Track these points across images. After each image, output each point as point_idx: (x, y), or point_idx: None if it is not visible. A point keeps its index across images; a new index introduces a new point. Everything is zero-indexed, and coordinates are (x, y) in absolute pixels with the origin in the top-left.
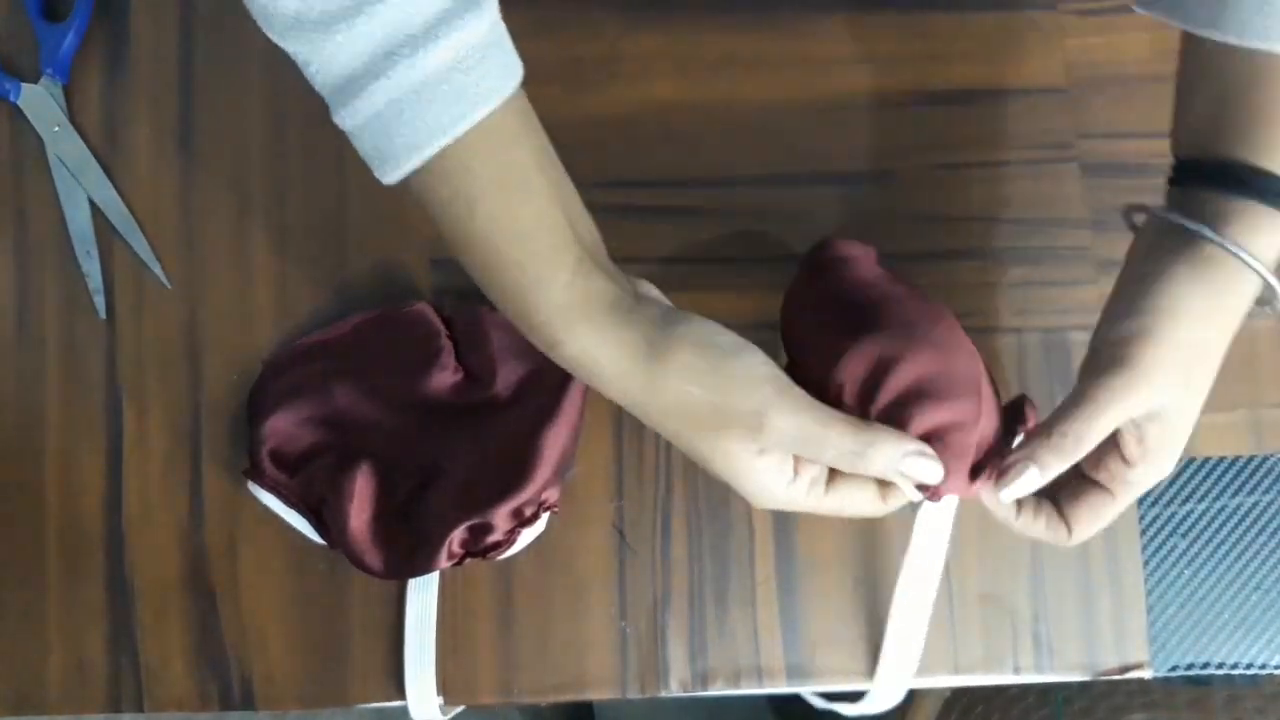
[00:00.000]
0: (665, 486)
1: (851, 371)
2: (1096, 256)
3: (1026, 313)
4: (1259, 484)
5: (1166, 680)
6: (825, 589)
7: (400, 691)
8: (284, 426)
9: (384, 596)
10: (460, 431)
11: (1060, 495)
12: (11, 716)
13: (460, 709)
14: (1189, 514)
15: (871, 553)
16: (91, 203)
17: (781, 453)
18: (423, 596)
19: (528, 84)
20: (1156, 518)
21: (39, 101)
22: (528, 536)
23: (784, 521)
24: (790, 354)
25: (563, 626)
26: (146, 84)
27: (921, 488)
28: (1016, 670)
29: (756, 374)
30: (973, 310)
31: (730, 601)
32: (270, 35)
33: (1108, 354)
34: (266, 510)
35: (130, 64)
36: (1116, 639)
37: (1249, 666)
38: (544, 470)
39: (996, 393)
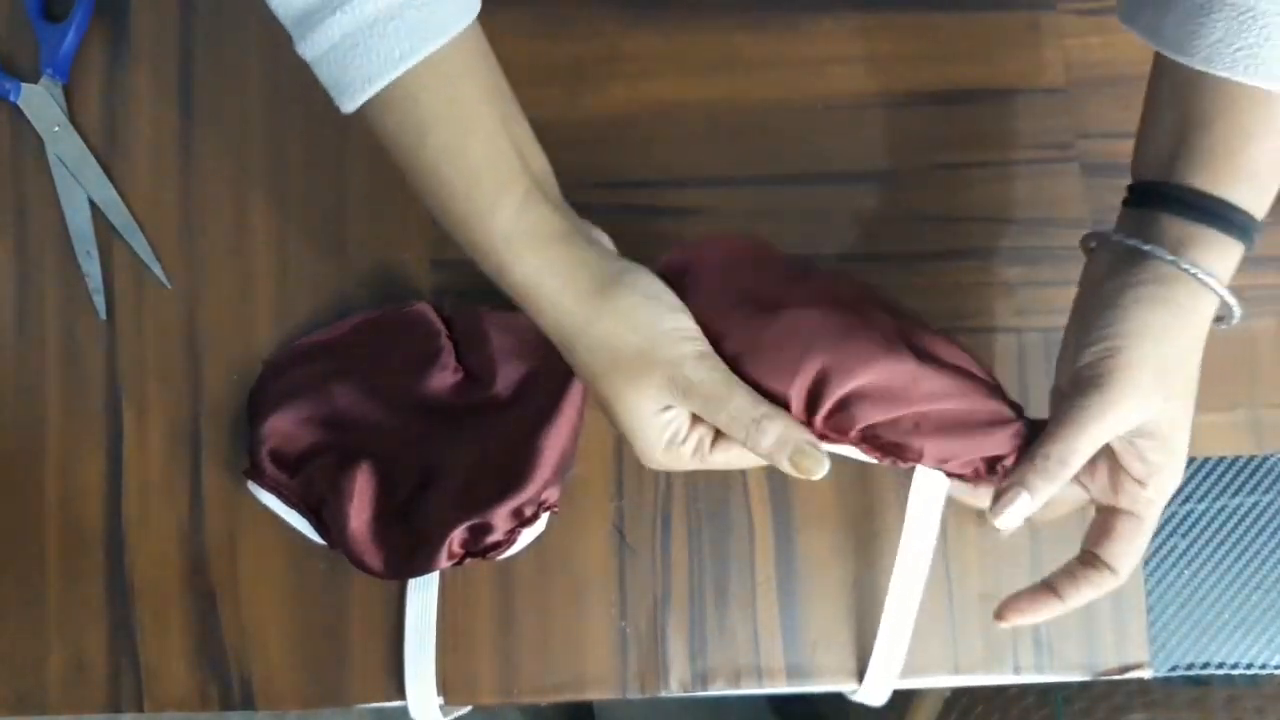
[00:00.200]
0: (665, 486)
1: (799, 385)
2: None
3: (1026, 313)
4: (1259, 484)
5: (1166, 680)
6: (825, 589)
7: (400, 691)
8: (284, 426)
9: (384, 596)
10: (460, 432)
11: (1092, 542)
12: (11, 716)
13: (461, 709)
14: (1189, 514)
15: (871, 553)
16: (91, 203)
17: (682, 413)
18: (423, 596)
19: (528, 84)
20: None
21: (39, 101)
22: (528, 536)
23: (784, 521)
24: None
25: (563, 626)
26: (146, 84)
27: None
28: (1016, 670)
29: (684, 333)
30: (973, 310)
31: (730, 601)
32: None
33: (1081, 377)
34: (266, 510)
35: (130, 64)
36: (1116, 639)
37: (1249, 666)
38: (544, 470)
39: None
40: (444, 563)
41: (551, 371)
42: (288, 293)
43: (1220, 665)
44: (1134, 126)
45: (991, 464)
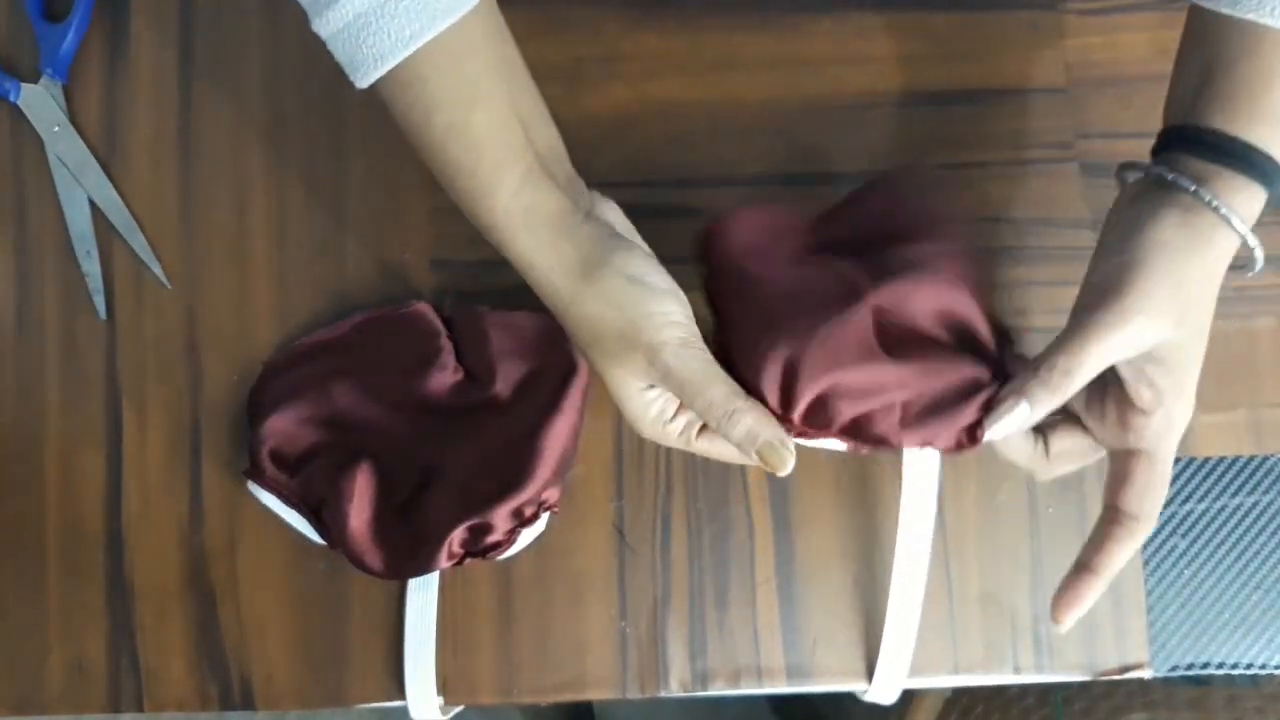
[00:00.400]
0: (665, 486)
1: (770, 385)
2: None
3: (1026, 313)
4: (1259, 484)
5: (1166, 680)
6: (825, 589)
7: (400, 691)
8: (284, 426)
9: (384, 596)
10: (460, 432)
11: (1111, 494)
12: (11, 717)
13: (460, 709)
14: (1189, 514)
15: (871, 553)
16: (91, 203)
17: (665, 394)
18: (423, 596)
19: None
20: None
21: (39, 101)
22: (528, 536)
23: (784, 521)
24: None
25: (563, 626)
26: (146, 84)
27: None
28: (1016, 670)
29: (669, 319)
30: None
31: (730, 601)
32: None
33: (1096, 290)
34: (266, 510)
35: (130, 64)
36: (1116, 639)
37: (1249, 666)
38: (544, 470)
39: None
40: (444, 563)
41: (551, 371)
42: (288, 293)
43: (1220, 665)
44: (1134, 126)
45: (971, 432)
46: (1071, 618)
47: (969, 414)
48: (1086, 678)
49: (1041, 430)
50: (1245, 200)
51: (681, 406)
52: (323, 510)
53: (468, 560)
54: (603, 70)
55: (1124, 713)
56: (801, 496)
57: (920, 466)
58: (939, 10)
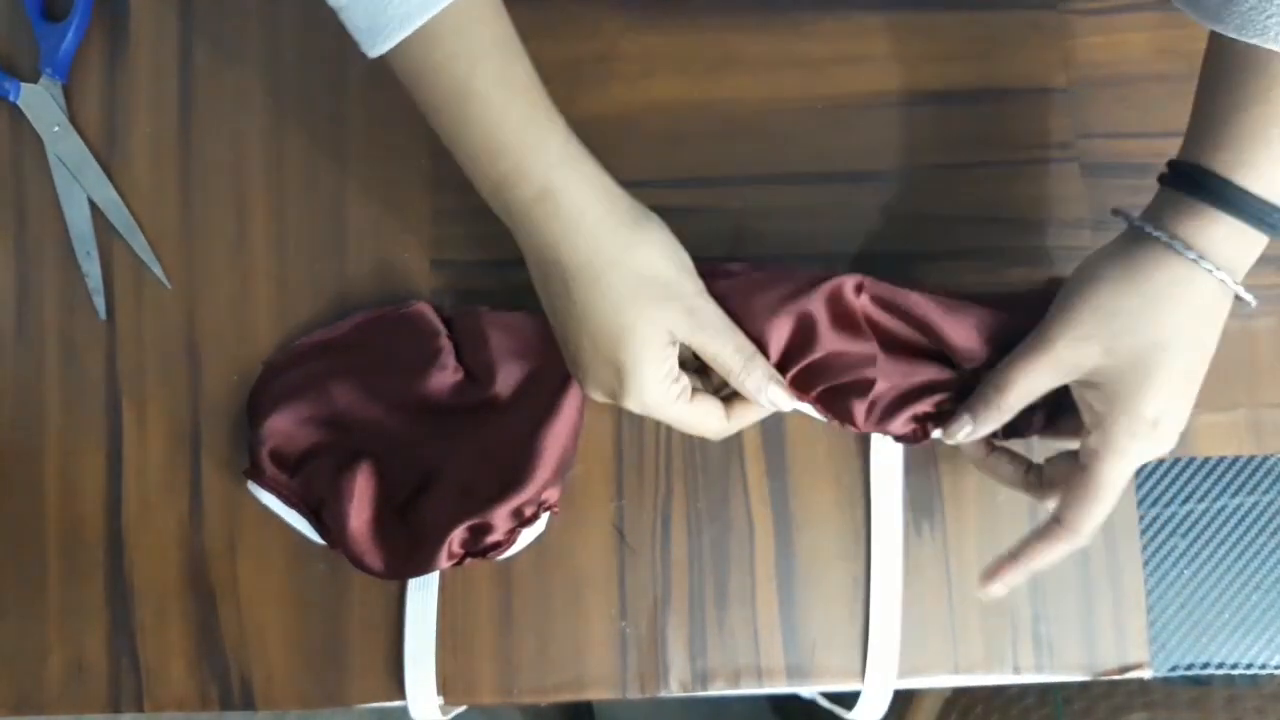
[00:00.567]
0: (665, 486)
1: (775, 342)
2: None
3: None
4: (1259, 484)
5: (1166, 680)
6: (825, 589)
7: (400, 691)
8: (284, 426)
9: (384, 596)
10: (460, 432)
11: (1058, 501)
12: (11, 716)
13: (460, 709)
14: (1189, 514)
15: (870, 553)
16: (91, 203)
17: (674, 353)
18: (423, 596)
19: None
20: (1156, 518)
21: (38, 101)
22: (528, 536)
23: (784, 521)
24: None
25: (563, 626)
26: (146, 84)
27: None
28: (1016, 670)
29: (694, 273)
30: None
31: (730, 601)
32: None
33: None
34: (266, 510)
35: (130, 64)
36: (1116, 639)
37: (1249, 666)
38: (544, 470)
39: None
40: (444, 563)
41: (551, 372)
42: (288, 293)
43: (1220, 665)
44: (1135, 126)
45: (923, 425)
46: (988, 590)
47: (923, 406)
48: (1086, 678)
49: (1034, 467)
50: (1200, 225)
51: (681, 371)
52: (323, 510)
53: (468, 560)
54: (602, 70)
55: (1124, 713)
56: (802, 496)
57: (886, 450)
58: (939, 10)
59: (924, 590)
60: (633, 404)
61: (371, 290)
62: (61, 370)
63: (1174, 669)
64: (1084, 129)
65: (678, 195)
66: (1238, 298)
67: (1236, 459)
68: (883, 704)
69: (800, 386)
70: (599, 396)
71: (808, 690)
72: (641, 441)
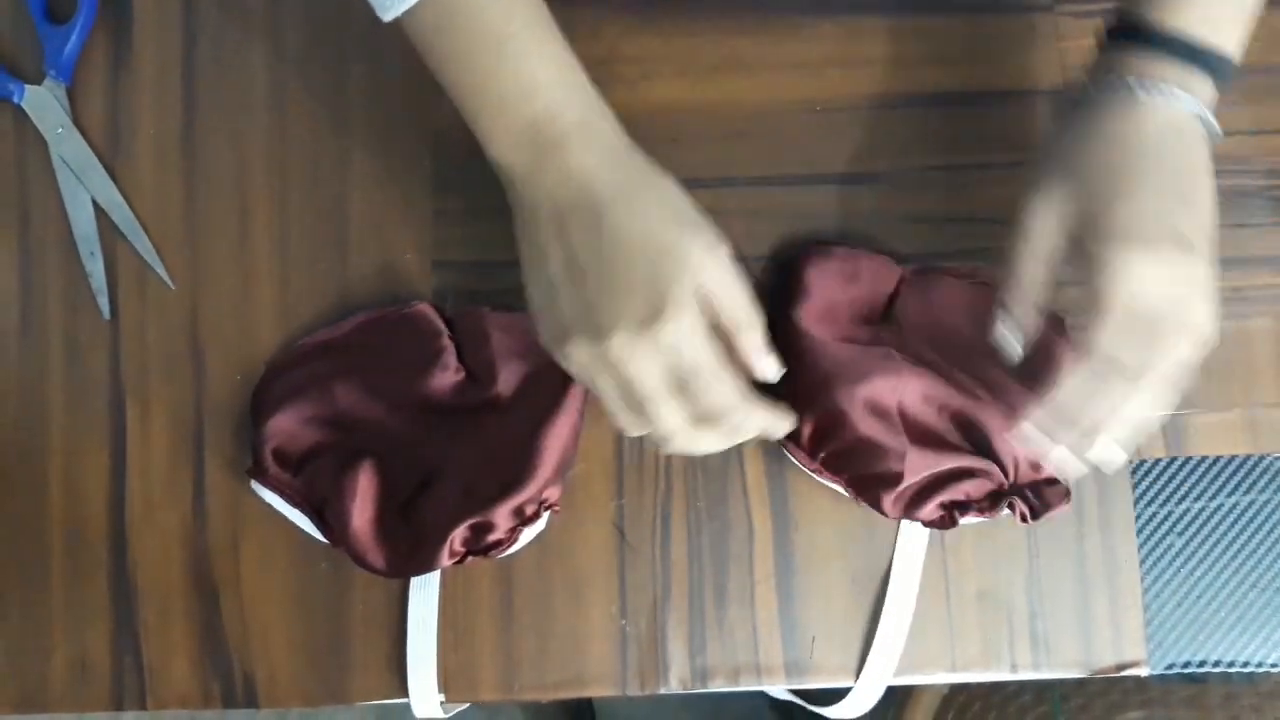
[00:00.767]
0: (665, 486)
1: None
2: None
3: None
4: (1255, 483)
5: (1163, 678)
6: (823, 587)
7: (402, 688)
8: (287, 426)
9: (386, 595)
10: (462, 431)
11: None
12: (15, 714)
13: (462, 706)
14: (1185, 512)
15: (869, 552)
16: (95, 204)
17: (701, 301)
18: (424, 594)
19: None
20: (1153, 516)
21: (42, 103)
22: (529, 535)
23: (783, 521)
24: None
25: (563, 624)
26: (149, 85)
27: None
28: (1013, 667)
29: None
30: None
31: (730, 600)
32: None
33: None
34: (269, 509)
35: (133, 65)
36: (1113, 636)
37: (1245, 664)
38: (545, 469)
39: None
40: (445, 561)
41: (552, 371)
42: (290, 293)
43: (1217, 663)
44: None
45: (950, 513)
46: (1020, 431)
47: (952, 495)
48: (1083, 675)
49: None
50: (1140, 60)
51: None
52: (325, 509)
53: (469, 558)
54: (601, 72)
55: (1121, 710)
56: (801, 496)
57: (911, 533)
58: (938, 13)
59: (922, 588)
60: (669, 326)
61: (373, 290)
62: (65, 370)
63: (1170, 667)
64: None
65: None
66: (1207, 128)
67: (1233, 458)
68: (871, 699)
69: (831, 468)
70: (622, 334)
71: (778, 690)
72: (642, 441)
